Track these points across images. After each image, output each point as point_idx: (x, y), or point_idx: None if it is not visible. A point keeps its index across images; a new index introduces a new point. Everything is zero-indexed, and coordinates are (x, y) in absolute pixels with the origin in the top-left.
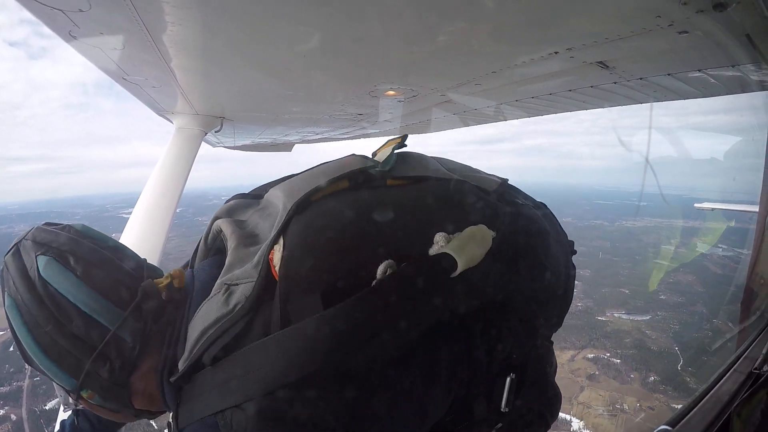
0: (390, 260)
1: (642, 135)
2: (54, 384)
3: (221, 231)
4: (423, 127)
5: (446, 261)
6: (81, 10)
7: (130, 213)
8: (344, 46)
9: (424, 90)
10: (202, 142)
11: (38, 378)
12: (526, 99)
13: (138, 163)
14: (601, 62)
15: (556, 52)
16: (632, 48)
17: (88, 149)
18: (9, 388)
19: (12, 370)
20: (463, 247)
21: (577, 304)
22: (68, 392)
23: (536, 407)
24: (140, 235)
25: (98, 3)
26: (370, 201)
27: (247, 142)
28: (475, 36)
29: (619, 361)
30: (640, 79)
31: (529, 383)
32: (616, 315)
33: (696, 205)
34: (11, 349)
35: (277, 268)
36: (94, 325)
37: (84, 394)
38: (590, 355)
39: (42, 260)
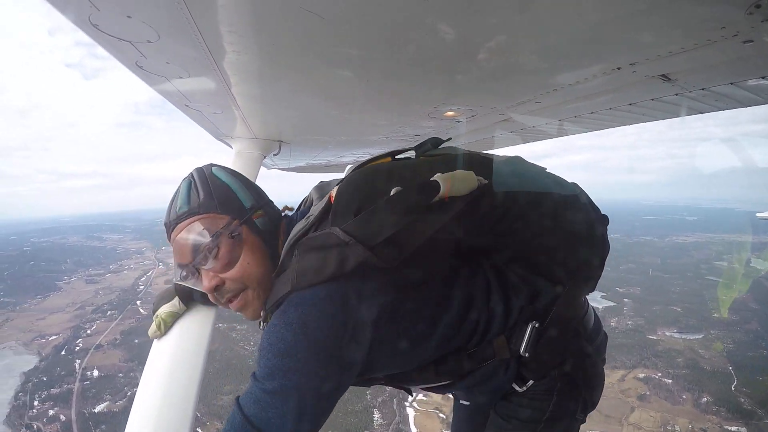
0: (398, 186)
1: (691, 147)
2: (226, 209)
3: (310, 194)
4: (479, 147)
5: (432, 184)
6: (149, 42)
7: None
8: (406, 68)
9: (483, 110)
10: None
11: (88, 382)
12: (585, 115)
13: None
14: (663, 75)
15: (618, 68)
16: (695, 60)
17: (139, 166)
18: (59, 390)
19: (63, 373)
20: (447, 179)
21: (627, 322)
22: (246, 209)
23: (572, 374)
24: None
25: (167, 34)
26: (399, 164)
27: (302, 164)
28: (539, 54)
29: (670, 381)
30: (702, 89)
31: (551, 337)
32: (667, 334)
33: (758, 214)
34: (63, 352)
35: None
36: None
37: (258, 212)
38: (641, 375)
39: (215, 168)
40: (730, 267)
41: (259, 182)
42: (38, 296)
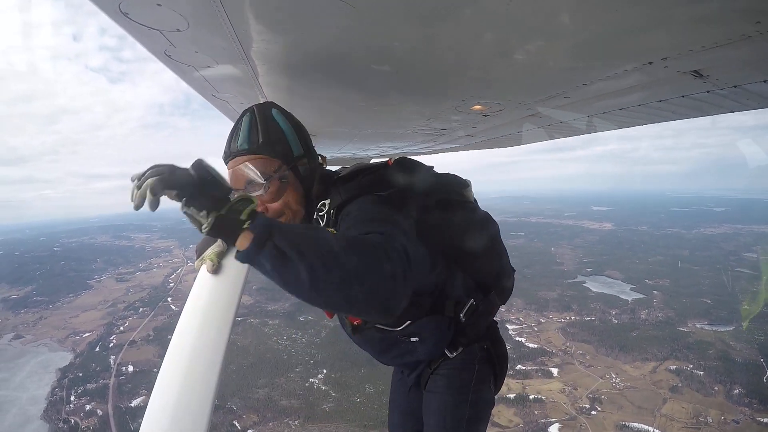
0: (392, 189)
1: (718, 137)
2: (273, 153)
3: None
4: (505, 141)
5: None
6: (179, 30)
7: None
8: (435, 61)
9: (510, 104)
10: None
11: (123, 377)
12: (614, 111)
13: None
14: (695, 71)
15: (650, 63)
16: (728, 56)
17: None
18: (96, 385)
19: (98, 368)
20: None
21: (657, 314)
22: (293, 156)
23: (490, 348)
24: None
25: (197, 22)
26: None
27: (327, 156)
28: (570, 48)
29: (702, 372)
30: (734, 87)
31: (481, 313)
32: (698, 326)
33: None
34: (97, 349)
35: None
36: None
37: (303, 160)
38: (672, 367)
39: (275, 110)
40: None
41: None
42: (70, 295)
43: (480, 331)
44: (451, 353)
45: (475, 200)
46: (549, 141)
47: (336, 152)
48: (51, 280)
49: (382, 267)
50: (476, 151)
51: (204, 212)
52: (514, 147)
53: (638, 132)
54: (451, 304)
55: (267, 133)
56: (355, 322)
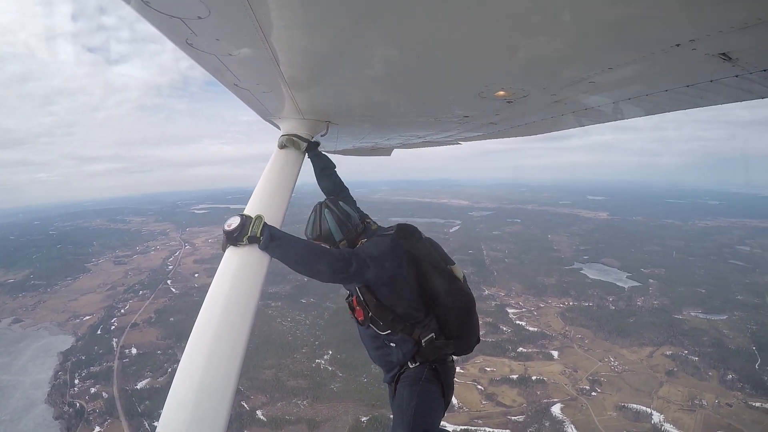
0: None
1: (717, 130)
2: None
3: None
4: (528, 129)
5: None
6: (200, 17)
7: (201, 209)
8: (458, 46)
9: (535, 90)
10: None
11: (127, 359)
12: (640, 96)
13: (207, 162)
14: (723, 54)
15: (678, 45)
16: (758, 37)
17: (160, 149)
18: (99, 368)
19: (101, 351)
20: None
21: (653, 302)
22: (334, 241)
23: (437, 369)
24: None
25: (218, 9)
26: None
27: (349, 146)
28: (594, 30)
29: (697, 358)
30: (764, 71)
31: (436, 345)
32: (693, 314)
33: None
34: (99, 332)
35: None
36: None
37: (343, 242)
38: (668, 352)
39: (325, 209)
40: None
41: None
42: (68, 278)
43: (431, 356)
44: (412, 365)
45: (465, 277)
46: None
47: (359, 141)
48: (48, 263)
49: (318, 265)
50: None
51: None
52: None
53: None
54: (417, 332)
55: (319, 228)
56: (359, 318)
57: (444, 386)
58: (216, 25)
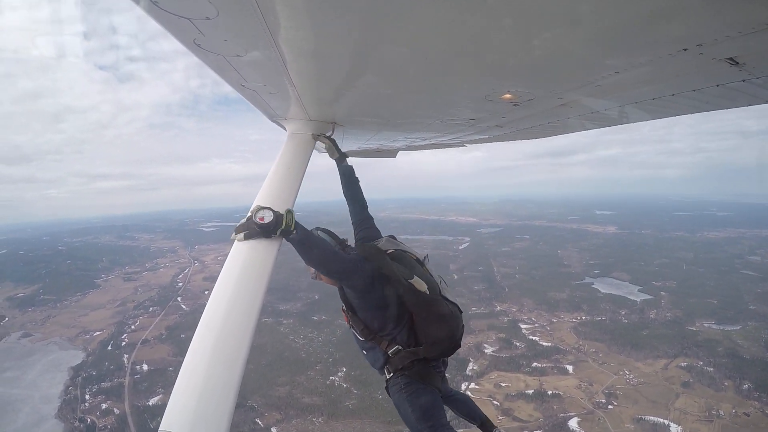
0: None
1: (722, 141)
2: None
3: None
4: (534, 132)
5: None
6: (208, 18)
7: (210, 227)
8: (465, 47)
9: (541, 93)
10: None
11: (138, 376)
12: (646, 101)
13: (216, 181)
14: (731, 59)
15: (685, 49)
16: (764, 42)
17: (169, 167)
18: (110, 384)
19: (112, 367)
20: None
21: (666, 314)
22: (338, 241)
23: (409, 375)
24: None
25: (226, 10)
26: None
27: (354, 147)
28: (601, 34)
29: (712, 369)
30: None
31: (400, 356)
32: (706, 325)
33: None
34: (109, 347)
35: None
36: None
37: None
38: (683, 364)
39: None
40: (764, 262)
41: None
42: (78, 293)
43: (400, 365)
44: (387, 375)
45: (438, 286)
46: (550, 145)
47: (364, 143)
48: (57, 278)
49: (333, 264)
50: (477, 156)
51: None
52: (517, 150)
53: (641, 136)
54: (384, 343)
55: None
56: (347, 322)
57: (427, 381)
58: (224, 26)
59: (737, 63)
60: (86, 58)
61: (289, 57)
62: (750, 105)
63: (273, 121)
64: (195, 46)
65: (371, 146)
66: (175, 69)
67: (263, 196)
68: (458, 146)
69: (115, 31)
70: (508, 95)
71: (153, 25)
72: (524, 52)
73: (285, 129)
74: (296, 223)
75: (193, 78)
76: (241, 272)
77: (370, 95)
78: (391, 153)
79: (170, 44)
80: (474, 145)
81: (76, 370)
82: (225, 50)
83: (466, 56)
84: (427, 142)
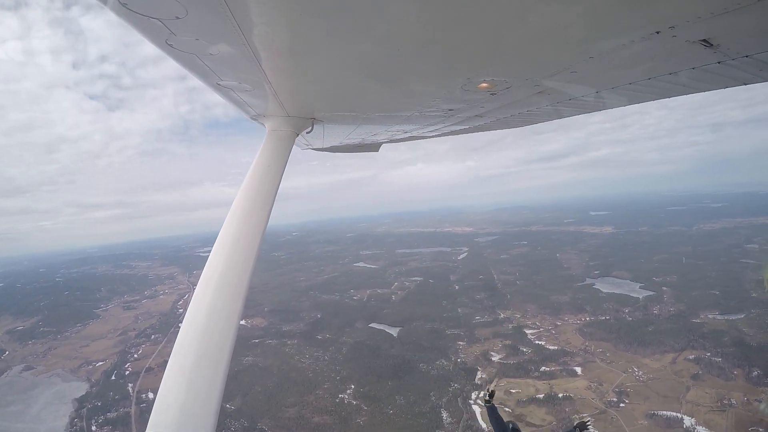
0: None
1: (710, 133)
2: None
3: None
4: (514, 121)
5: None
6: (178, 18)
7: (206, 251)
8: (436, 37)
9: (518, 80)
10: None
11: (144, 404)
12: (623, 85)
13: (209, 204)
14: (704, 41)
15: (657, 32)
16: (738, 23)
17: (162, 193)
18: (116, 413)
19: (117, 397)
20: None
21: (669, 308)
22: None
23: None
24: (240, 229)
25: (195, 9)
26: None
27: (336, 142)
28: (573, 19)
29: (720, 359)
30: (746, 56)
31: None
32: (710, 316)
33: None
34: (113, 377)
35: None
36: None
37: None
38: (691, 356)
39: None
40: (762, 249)
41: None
42: (78, 324)
43: None
44: None
45: None
46: (541, 149)
47: (345, 137)
48: (56, 310)
49: None
50: (468, 166)
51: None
52: (508, 157)
53: (631, 135)
54: None
55: None
56: None
57: None
58: (194, 25)
59: (711, 45)
60: (76, 87)
61: (262, 53)
62: (727, 87)
63: (253, 119)
64: (168, 46)
65: (353, 141)
66: (164, 95)
67: (243, 194)
68: (440, 136)
69: (104, 60)
70: (484, 84)
71: (141, 51)
72: (497, 40)
73: (265, 126)
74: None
75: (183, 104)
76: (222, 274)
77: (346, 90)
78: (374, 147)
79: (158, 70)
80: (465, 152)
81: (81, 402)
82: (197, 49)
83: (439, 47)
84: (409, 134)
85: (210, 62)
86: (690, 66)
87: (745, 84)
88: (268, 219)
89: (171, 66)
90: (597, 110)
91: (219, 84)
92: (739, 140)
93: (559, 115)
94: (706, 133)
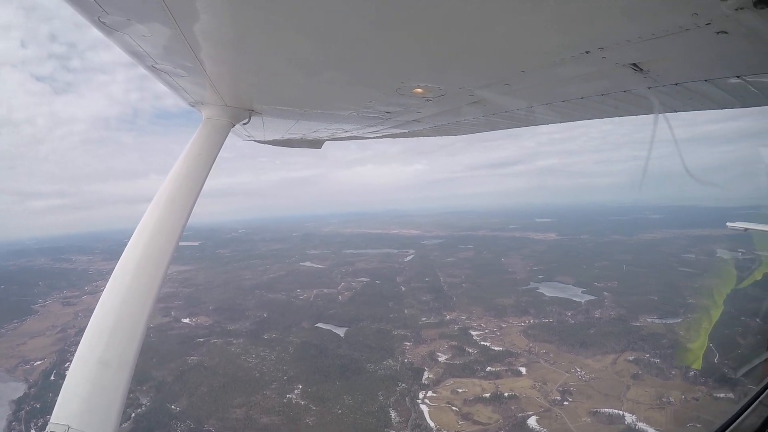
0: None
1: (650, 149)
2: None
3: None
4: (453, 129)
5: None
6: None
7: None
8: (370, 39)
9: (452, 89)
10: (235, 136)
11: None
12: (556, 102)
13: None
14: (634, 64)
15: (587, 52)
16: (667, 49)
17: (106, 184)
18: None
19: (57, 398)
20: None
21: (610, 312)
22: None
23: None
24: (162, 217)
25: None
26: None
27: (277, 136)
28: (503, 32)
29: (658, 360)
30: (676, 84)
31: None
32: (648, 320)
33: (728, 224)
34: (52, 377)
35: None
36: None
37: None
38: (631, 357)
39: None
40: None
41: (231, 198)
42: (14, 321)
43: None
44: None
45: None
46: (489, 156)
47: (286, 132)
48: None
49: None
50: (417, 169)
51: None
52: (456, 162)
53: (578, 147)
54: None
55: None
56: None
57: None
58: (125, 5)
59: (641, 69)
60: (23, 67)
61: (196, 40)
62: (657, 113)
63: (191, 105)
64: (101, 24)
65: (294, 136)
66: (114, 81)
67: (171, 180)
68: (380, 138)
69: (54, 39)
70: (419, 90)
71: (93, 32)
72: (430, 46)
73: (202, 114)
74: None
75: (133, 91)
76: (138, 264)
77: (282, 84)
78: (317, 144)
79: (110, 54)
80: (415, 155)
81: (19, 404)
82: (131, 30)
83: (372, 48)
84: (350, 134)
85: (144, 44)
86: (621, 89)
87: (676, 111)
88: (193, 206)
89: (121, 51)
90: (532, 125)
91: (155, 67)
92: (680, 158)
93: (495, 127)
94: (646, 149)
